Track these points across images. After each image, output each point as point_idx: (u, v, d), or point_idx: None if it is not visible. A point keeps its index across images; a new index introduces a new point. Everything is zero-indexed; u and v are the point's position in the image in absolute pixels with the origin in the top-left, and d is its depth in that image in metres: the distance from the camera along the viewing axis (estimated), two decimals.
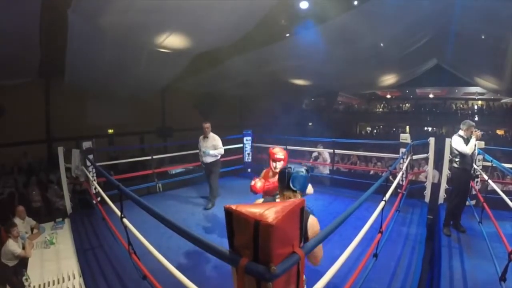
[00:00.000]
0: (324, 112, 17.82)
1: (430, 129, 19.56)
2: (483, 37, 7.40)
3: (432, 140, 5.28)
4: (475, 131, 3.89)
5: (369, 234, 2.39)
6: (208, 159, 5.17)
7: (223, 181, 7.22)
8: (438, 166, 6.00)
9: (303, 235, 1.27)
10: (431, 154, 5.29)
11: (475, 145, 3.97)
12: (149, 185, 6.17)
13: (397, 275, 3.06)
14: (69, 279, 3.36)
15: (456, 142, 3.95)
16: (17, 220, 4.35)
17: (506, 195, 3.03)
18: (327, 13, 7.11)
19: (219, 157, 5.26)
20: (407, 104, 21.37)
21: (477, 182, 4.93)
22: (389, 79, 12.28)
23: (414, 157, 5.50)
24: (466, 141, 3.87)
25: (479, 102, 18.64)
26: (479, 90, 15.95)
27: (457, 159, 3.97)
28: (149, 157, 6.18)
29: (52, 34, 5.95)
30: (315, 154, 7.68)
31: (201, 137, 5.32)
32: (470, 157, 3.91)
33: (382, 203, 2.75)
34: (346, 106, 21.77)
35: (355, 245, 2.09)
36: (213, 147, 5.17)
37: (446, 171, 5.02)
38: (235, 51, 8.47)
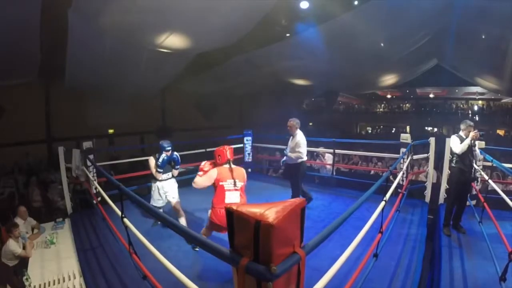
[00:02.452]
0: (324, 112, 17.83)
1: (430, 129, 19.57)
2: (483, 37, 7.40)
3: (432, 140, 5.29)
4: (472, 131, 3.88)
5: (369, 234, 2.39)
6: (288, 160, 4.73)
7: None
8: (438, 166, 6.01)
9: None
10: (431, 154, 5.29)
11: (474, 146, 3.96)
12: (150, 185, 6.15)
13: (397, 275, 3.06)
14: (69, 279, 3.36)
15: (452, 142, 3.98)
16: (18, 220, 4.36)
17: (507, 195, 3.02)
18: (327, 13, 7.12)
19: (298, 161, 4.63)
20: (407, 104, 21.38)
21: (477, 182, 4.92)
22: (389, 79, 12.28)
23: (415, 157, 5.50)
24: (464, 141, 3.88)
25: (480, 102, 18.65)
26: (479, 90, 15.96)
27: (454, 159, 3.99)
28: (150, 157, 6.16)
29: (52, 34, 5.95)
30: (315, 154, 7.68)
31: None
32: (467, 157, 3.90)
33: (383, 203, 2.74)
34: (347, 106, 21.79)
35: (356, 245, 2.09)
36: (292, 148, 4.66)
37: (446, 171, 5.02)
38: (235, 51, 8.47)
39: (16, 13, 4.92)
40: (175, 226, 1.74)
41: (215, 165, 3.26)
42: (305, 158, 4.70)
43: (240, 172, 3.22)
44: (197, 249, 3.42)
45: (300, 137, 4.65)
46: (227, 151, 3.24)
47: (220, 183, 3.10)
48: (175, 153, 4.22)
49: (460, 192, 4.00)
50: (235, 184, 3.13)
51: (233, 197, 3.12)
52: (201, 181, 3.21)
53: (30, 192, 6.78)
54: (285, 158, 4.85)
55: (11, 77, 7.29)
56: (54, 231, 4.52)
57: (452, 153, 4.06)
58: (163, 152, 4.10)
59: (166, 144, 4.10)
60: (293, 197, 4.81)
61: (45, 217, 5.73)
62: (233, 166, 3.21)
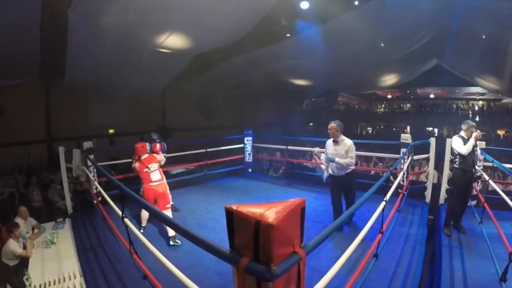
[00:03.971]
0: (324, 112, 17.82)
1: (430, 129, 19.55)
2: (483, 37, 7.39)
3: (433, 141, 5.28)
4: (475, 132, 3.87)
5: (369, 234, 2.39)
6: (339, 171, 4.08)
7: (225, 181, 7.24)
8: (438, 166, 6.00)
9: None
10: (432, 155, 5.29)
11: (476, 146, 3.96)
12: None
13: (397, 275, 3.06)
14: (69, 279, 3.36)
15: (455, 143, 3.95)
16: (19, 220, 4.36)
17: (507, 196, 3.02)
18: (327, 13, 7.11)
19: (351, 168, 4.09)
20: (407, 104, 21.35)
21: (478, 182, 4.92)
22: (389, 79, 12.27)
23: (415, 157, 5.49)
24: (466, 141, 3.86)
25: (480, 102, 18.61)
26: (479, 90, 15.92)
27: (457, 160, 3.97)
28: None
29: (53, 34, 5.95)
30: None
31: (330, 140, 4.25)
32: (470, 158, 3.89)
33: (383, 203, 2.74)
34: (347, 106, 21.77)
35: (356, 245, 2.09)
36: (343, 155, 4.04)
37: (446, 172, 5.01)
38: (235, 51, 8.47)
39: (16, 13, 4.93)
40: (176, 225, 1.74)
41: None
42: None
43: (151, 158, 4.29)
44: (172, 243, 3.80)
45: (349, 140, 4.11)
46: (141, 149, 4.29)
47: (144, 170, 4.15)
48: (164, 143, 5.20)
49: (463, 192, 3.99)
50: (152, 167, 4.20)
51: (155, 176, 4.17)
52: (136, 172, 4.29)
53: (31, 192, 6.78)
54: (325, 174, 4.33)
55: (11, 77, 7.29)
56: (54, 231, 4.52)
57: (454, 154, 4.04)
58: (152, 143, 4.68)
59: (155, 136, 4.94)
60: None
61: (45, 217, 5.74)
62: (143, 157, 4.26)
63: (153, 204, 4.05)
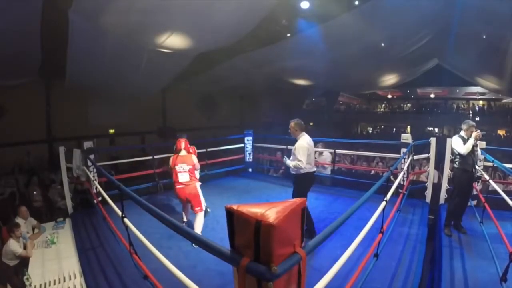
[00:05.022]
0: (325, 112, 17.82)
1: (431, 129, 19.55)
2: (484, 37, 7.39)
3: (433, 140, 5.28)
4: (475, 131, 3.87)
5: (370, 234, 2.38)
6: (291, 169, 3.85)
7: (225, 181, 7.24)
8: (439, 166, 5.99)
9: None
10: (432, 154, 5.28)
11: (476, 146, 3.95)
12: (150, 185, 6.17)
13: (398, 275, 3.06)
14: (70, 279, 3.36)
15: (455, 143, 3.95)
16: (19, 220, 4.36)
17: (507, 195, 3.02)
18: (328, 13, 7.10)
19: (300, 172, 3.75)
20: (408, 104, 21.36)
21: (478, 182, 4.91)
22: (390, 79, 12.26)
23: (415, 157, 5.49)
24: (466, 141, 3.86)
25: (480, 102, 18.61)
26: (480, 90, 15.92)
27: (457, 160, 3.97)
28: (150, 157, 6.18)
29: (53, 34, 5.95)
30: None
31: None
32: (471, 158, 3.89)
33: (383, 203, 2.74)
34: (347, 106, 21.78)
35: (356, 245, 2.09)
36: (293, 156, 3.82)
37: (447, 171, 5.01)
38: (236, 51, 8.47)
39: (17, 13, 4.93)
40: (176, 226, 1.74)
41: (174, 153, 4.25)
42: (307, 168, 3.76)
43: (187, 158, 4.13)
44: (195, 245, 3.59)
45: (301, 141, 3.78)
46: (181, 143, 4.20)
47: (174, 167, 4.07)
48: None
49: (464, 192, 3.99)
50: (181, 168, 4.06)
51: (183, 177, 4.03)
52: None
53: (31, 192, 6.78)
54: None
55: (12, 77, 7.30)
56: (54, 231, 4.52)
57: (454, 154, 4.05)
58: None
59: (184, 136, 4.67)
60: None
61: (45, 217, 5.75)
62: (182, 154, 4.14)
63: (185, 203, 4.19)
